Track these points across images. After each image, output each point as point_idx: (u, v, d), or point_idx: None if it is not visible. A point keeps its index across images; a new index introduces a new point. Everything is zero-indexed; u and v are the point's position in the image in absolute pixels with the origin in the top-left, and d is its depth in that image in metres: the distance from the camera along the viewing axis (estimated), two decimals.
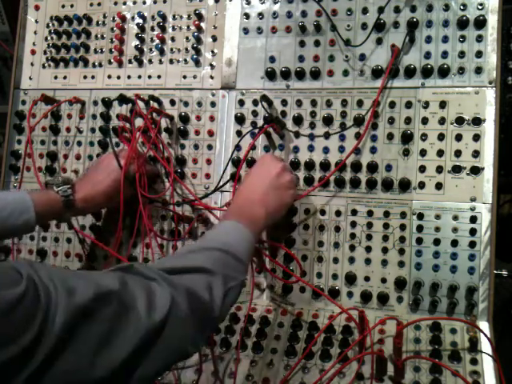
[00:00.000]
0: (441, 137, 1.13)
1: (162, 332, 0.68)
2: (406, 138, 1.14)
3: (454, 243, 1.10)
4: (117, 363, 0.62)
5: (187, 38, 1.33)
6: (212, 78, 1.30)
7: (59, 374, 0.56)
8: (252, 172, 1.11)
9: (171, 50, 1.34)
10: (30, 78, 1.43)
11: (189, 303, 0.75)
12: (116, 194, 1.16)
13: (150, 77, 1.35)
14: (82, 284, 0.62)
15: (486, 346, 1.01)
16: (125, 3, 1.38)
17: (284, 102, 1.24)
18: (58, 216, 1.14)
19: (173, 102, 1.32)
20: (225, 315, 0.89)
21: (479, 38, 1.13)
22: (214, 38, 1.31)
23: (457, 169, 1.12)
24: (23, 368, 0.53)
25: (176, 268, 0.81)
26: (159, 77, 1.34)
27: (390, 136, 1.16)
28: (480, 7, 1.13)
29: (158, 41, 1.34)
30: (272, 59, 1.26)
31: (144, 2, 1.36)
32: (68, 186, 1.12)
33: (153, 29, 1.35)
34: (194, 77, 1.31)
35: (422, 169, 1.14)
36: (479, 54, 1.12)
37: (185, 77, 1.32)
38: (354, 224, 1.17)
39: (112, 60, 1.37)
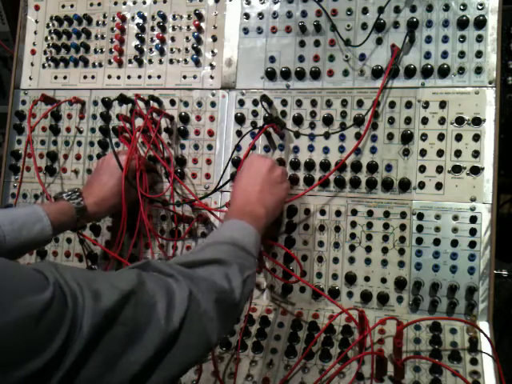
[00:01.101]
0: (441, 137, 1.13)
1: (180, 331, 0.67)
2: (406, 137, 1.14)
3: (454, 243, 1.10)
4: (138, 366, 0.61)
5: (187, 38, 1.33)
6: (212, 78, 1.30)
7: (85, 380, 0.56)
8: (243, 174, 1.10)
9: (171, 49, 1.34)
10: (30, 78, 1.43)
11: (209, 294, 0.74)
12: (124, 191, 1.16)
13: (150, 77, 1.35)
14: (106, 287, 0.61)
15: (486, 346, 1.01)
16: (125, 3, 1.38)
17: (284, 102, 1.24)
18: (72, 224, 1.11)
19: (173, 102, 1.32)
20: (244, 305, 0.87)
21: (479, 38, 1.13)
22: (214, 38, 1.31)
23: (457, 169, 1.12)
24: (52, 376, 0.52)
25: (190, 262, 0.80)
26: (159, 77, 1.34)
27: (390, 136, 1.16)
28: (480, 7, 1.13)
29: (158, 41, 1.34)
30: (272, 59, 1.26)
31: (144, 2, 1.36)
32: (77, 194, 1.12)
33: (153, 29, 1.35)
34: (194, 77, 1.32)
35: (422, 169, 1.14)
36: (479, 54, 1.12)
37: (185, 77, 1.32)
38: (354, 224, 1.17)
39: (112, 60, 1.37)
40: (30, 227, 1.00)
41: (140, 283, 0.66)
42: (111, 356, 0.59)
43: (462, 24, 1.13)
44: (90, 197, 1.14)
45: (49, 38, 1.43)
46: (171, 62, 1.34)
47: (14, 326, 0.49)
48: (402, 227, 1.14)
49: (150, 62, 1.35)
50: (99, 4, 1.40)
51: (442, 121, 1.13)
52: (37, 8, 1.44)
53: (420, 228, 1.12)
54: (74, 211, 1.09)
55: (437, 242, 1.11)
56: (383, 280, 1.14)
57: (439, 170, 1.13)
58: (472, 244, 1.09)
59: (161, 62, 1.34)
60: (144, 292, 0.65)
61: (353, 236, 1.17)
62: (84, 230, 1.32)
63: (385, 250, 1.14)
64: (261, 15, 1.27)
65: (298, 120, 1.22)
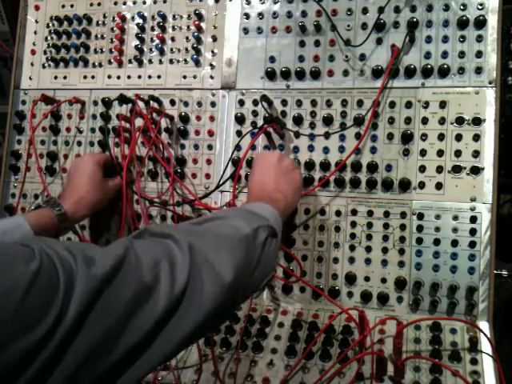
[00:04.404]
0: (441, 137, 1.13)
1: (187, 287, 0.66)
2: (406, 137, 1.14)
3: (454, 243, 1.10)
4: (149, 325, 0.60)
5: (187, 38, 1.33)
6: (212, 78, 1.30)
7: (84, 344, 0.55)
8: (255, 170, 1.10)
9: (171, 49, 1.34)
10: (30, 78, 1.43)
11: (216, 243, 0.73)
12: (100, 186, 1.19)
13: (150, 77, 1.35)
14: (100, 253, 0.60)
15: (486, 346, 1.01)
16: (125, 3, 1.38)
17: (284, 102, 1.24)
18: (55, 227, 1.12)
19: (173, 102, 1.32)
20: (267, 252, 0.83)
21: (479, 38, 1.13)
22: (214, 38, 1.31)
23: (457, 169, 1.12)
24: (48, 344, 0.52)
25: (193, 222, 0.82)
26: (159, 77, 1.34)
27: (390, 136, 1.16)
28: (480, 7, 1.13)
29: (158, 41, 1.34)
30: (272, 59, 1.26)
31: (144, 2, 1.36)
32: (53, 200, 1.13)
33: (153, 29, 1.35)
34: (194, 77, 1.31)
35: (422, 169, 1.14)
36: (479, 54, 1.12)
37: (185, 77, 1.32)
38: (354, 224, 1.17)
39: (112, 60, 1.37)
40: (12, 234, 1.00)
41: (132, 248, 0.65)
42: (116, 318, 0.58)
43: (462, 24, 1.13)
44: (65, 201, 1.15)
45: (49, 38, 1.43)
46: (171, 62, 1.34)
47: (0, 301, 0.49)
48: (402, 227, 1.14)
49: (150, 62, 1.35)
50: (99, 4, 1.40)
51: (442, 121, 1.13)
52: (37, 8, 1.44)
53: (420, 228, 1.12)
54: (53, 214, 1.10)
55: (437, 242, 1.11)
56: (383, 280, 1.14)
57: (439, 169, 1.13)
58: (472, 244, 1.09)
59: (161, 62, 1.34)
60: (138, 255, 0.65)
61: (353, 236, 1.17)
62: (85, 229, 1.32)
63: (385, 250, 1.14)
64: (261, 15, 1.27)
65: (297, 120, 1.22)
